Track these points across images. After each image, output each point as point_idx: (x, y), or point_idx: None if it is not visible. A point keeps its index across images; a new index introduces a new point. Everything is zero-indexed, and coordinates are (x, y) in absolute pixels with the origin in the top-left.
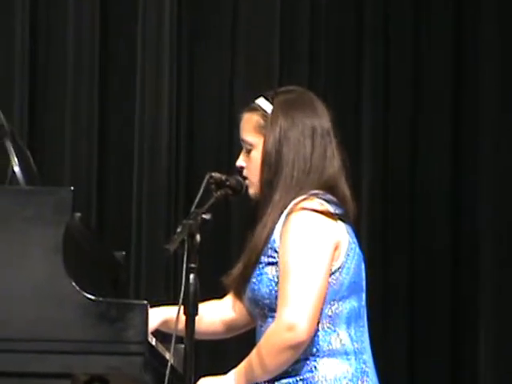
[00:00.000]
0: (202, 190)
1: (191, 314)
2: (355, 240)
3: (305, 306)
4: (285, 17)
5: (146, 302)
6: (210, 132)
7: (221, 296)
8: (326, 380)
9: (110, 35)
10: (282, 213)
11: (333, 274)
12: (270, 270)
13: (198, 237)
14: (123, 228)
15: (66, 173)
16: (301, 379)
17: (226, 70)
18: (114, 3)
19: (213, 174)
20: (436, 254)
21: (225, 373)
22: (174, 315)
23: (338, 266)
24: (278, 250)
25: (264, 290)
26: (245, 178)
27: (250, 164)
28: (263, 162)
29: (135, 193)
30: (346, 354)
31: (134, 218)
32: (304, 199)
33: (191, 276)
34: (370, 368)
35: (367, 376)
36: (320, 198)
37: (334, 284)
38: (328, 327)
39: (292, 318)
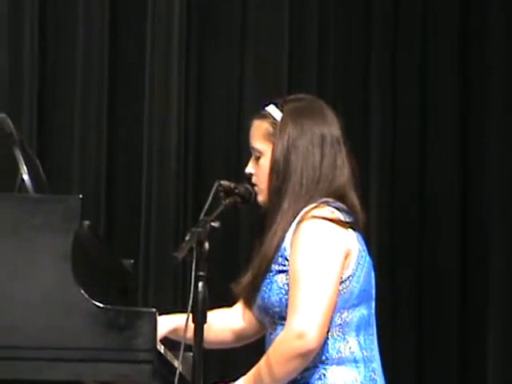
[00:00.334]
0: (210, 198)
1: (200, 322)
2: (365, 248)
3: (315, 314)
4: (294, 15)
5: (154, 309)
6: (219, 133)
7: (230, 304)
8: None
9: (120, 34)
10: (292, 221)
11: (343, 282)
12: (281, 278)
13: (206, 245)
14: (132, 236)
15: (75, 173)
16: None
17: (235, 69)
18: (123, 1)
19: (222, 182)
20: (444, 256)
21: (234, 380)
22: (183, 323)
23: (348, 275)
24: (288, 258)
25: (274, 298)
26: (253, 185)
27: (259, 171)
28: (271, 170)
29: (144, 200)
30: (356, 361)
31: (142, 226)
32: (315, 207)
33: (200, 284)
34: (379, 376)
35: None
36: (331, 205)
37: (345, 292)
38: (337, 335)
39: (302, 326)
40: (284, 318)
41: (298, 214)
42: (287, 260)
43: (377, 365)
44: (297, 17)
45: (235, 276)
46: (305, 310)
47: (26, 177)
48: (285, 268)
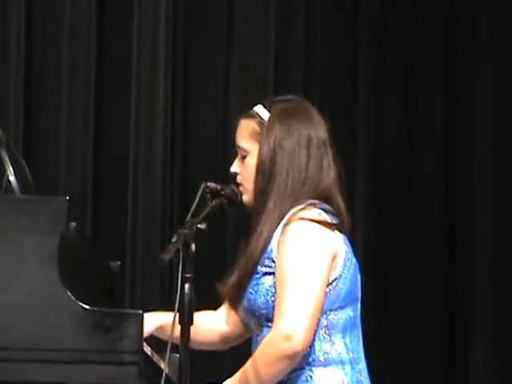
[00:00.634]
0: (197, 200)
1: (186, 323)
2: (351, 250)
3: (302, 315)
4: (280, 12)
5: (140, 311)
6: (205, 138)
7: (216, 306)
8: None
9: (106, 36)
10: (278, 222)
11: (330, 284)
12: (267, 280)
13: (193, 246)
14: (118, 237)
15: (62, 175)
16: None
17: (221, 68)
18: (109, 3)
19: (208, 184)
20: (430, 258)
21: (220, 382)
22: (170, 321)
23: (335, 277)
24: (275, 259)
25: (261, 300)
26: (239, 185)
27: (245, 170)
28: (257, 170)
29: (130, 202)
30: (342, 363)
31: (129, 228)
32: (302, 209)
33: (186, 285)
34: (365, 377)
35: None
36: (317, 207)
37: (331, 294)
38: (324, 337)
39: (289, 328)
40: (271, 320)
41: (284, 216)
42: (274, 262)
43: (363, 366)
44: (284, 14)
45: (222, 277)
46: (292, 311)
47: (12, 178)
48: (271, 270)
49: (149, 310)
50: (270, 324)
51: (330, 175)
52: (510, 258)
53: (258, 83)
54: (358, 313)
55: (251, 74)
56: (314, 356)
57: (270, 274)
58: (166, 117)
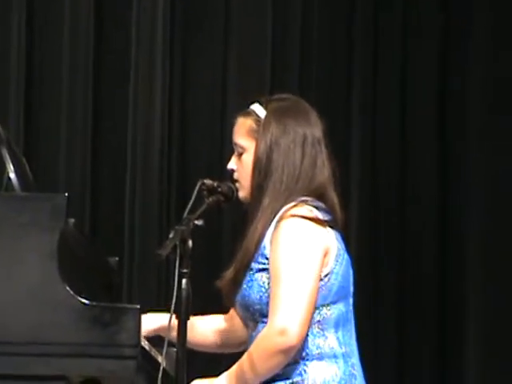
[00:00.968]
0: (194, 197)
1: (183, 318)
2: (343, 246)
3: (296, 310)
4: (277, 10)
5: (138, 306)
6: (203, 129)
7: (212, 302)
8: (315, 383)
9: (105, 30)
10: (272, 218)
11: (322, 279)
12: (261, 277)
13: (190, 242)
14: (116, 234)
15: (61, 172)
16: (291, 383)
17: (218, 63)
18: (108, 5)
19: (205, 181)
20: (425, 259)
21: (217, 376)
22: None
23: (327, 272)
24: (268, 256)
25: (254, 296)
26: (235, 181)
27: (241, 167)
28: (254, 166)
29: (128, 199)
30: (335, 357)
31: (126, 224)
32: (294, 206)
33: (183, 281)
34: (358, 371)
35: (355, 379)
36: (309, 204)
37: (324, 289)
38: (317, 331)
39: (283, 323)
40: (265, 316)
41: (277, 212)
42: (267, 259)
43: (356, 360)
44: (281, 10)
45: (218, 273)
46: (286, 307)
47: (12, 175)
48: (264, 266)
49: (147, 309)
50: (264, 320)
51: (323, 173)
52: (504, 257)
53: (255, 76)
54: (351, 308)
55: (249, 66)
56: (307, 350)
57: (263, 270)
58: (163, 108)
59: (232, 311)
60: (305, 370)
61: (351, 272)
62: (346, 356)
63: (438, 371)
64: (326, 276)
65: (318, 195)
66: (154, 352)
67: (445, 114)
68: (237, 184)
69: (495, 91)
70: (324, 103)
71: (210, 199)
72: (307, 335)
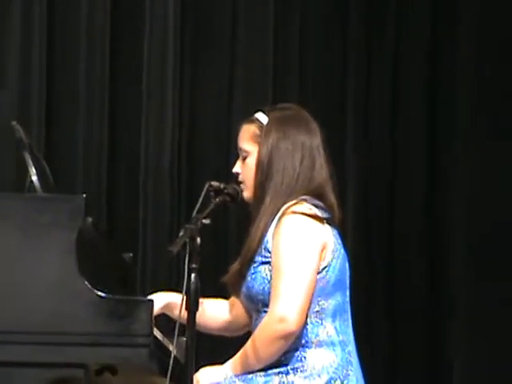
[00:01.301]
0: (202, 198)
1: (192, 309)
2: (340, 241)
3: (295, 300)
4: (278, 35)
5: (151, 299)
6: (210, 140)
7: (219, 294)
8: (314, 368)
9: (119, 51)
10: (274, 216)
11: (320, 272)
12: (264, 269)
13: (198, 240)
14: (131, 232)
15: (79, 175)
16: (291, 368)
17: (224, 78)
18: (123, 13)
19: (212, 183)
20: (412, 251)
21: (222, 362)
22: (176, 300)
23: (324, 265)
24: (270, 250)
25: (258, 287)
26: (240, 183)
27: (245, 170)
28: (257, 168)
29: (141, 199)
30: (333, 344)
31: (140, 223)
32: (295, 204)
33: (193, 275)
34: (354, 358)
35: (351, 365)
36: (309, 202)
37: (321, 282)
38: (316, 321)
39: (283, 311)
40: (267, 305)
41: (278, 210)
42: (269, 252)
43: (352, 348)
44: (281, 26)
45: (225, 267)
46: (286, 296)
47: (34, 178)
48: (267, 259)
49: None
50: (266, 309)
51: (322, 174)
52: (493, 254)
53: (259, 85)
54: (347, 299)
55: (252, 77)
56: (306, 338)
57: (265, 263)
58: (173, 116)
59: (235, 300)
60: (304, 357)
61: (347, 265)
62: (342, 344)
63: (428, 366)
64: (323, 269)
65: (317, 195)
66: (165, 341)
67: (433, 119)
68: (241, 185)
69: (479, 92)
70: (322, 114)
71: (217, 200)
72: (306, 324)
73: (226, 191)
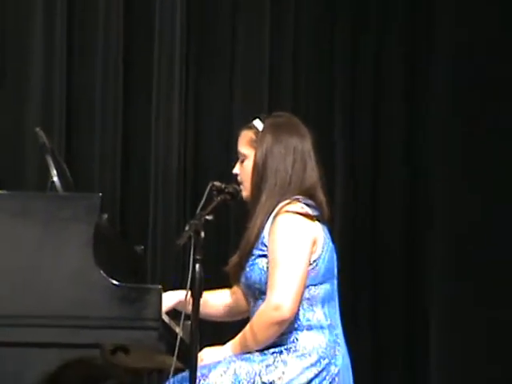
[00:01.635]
0: (205, 196)
1: (197, 297)
2: (329, 236)
3: (289, 289)
4: (272, 56)
5: (160, 286)
6: (213, 145)
7: (221, 284)
8: (305, 349)
9: (132, 66)
10: (269, 213)
11: (311, 264)
12: (261, 261)
13: (202, 234)
14: (142, 226)
15: (96, 176)
16: (285, 348)
17: (225, 93)
18: (135, 28)
19: (214, 183)
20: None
21: (224, 343)
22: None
23: (315, 258)
24: (266, 244)
25: (255, 277)
26: (239, 183)
27: (243, 172)
28: (253, 171)
29: (152, 198)
30: (322, 328)
31: (150, 219)
32: (288, 203)
33: (197, 266)
34: (341, 340)
35: (339, 345)
36: (301, 202)
37: (312, 272)
38: (307, 307)
39: (278, 300)
40: (264, 294)
41: (273, 208)
42: (266, 246)
43: (339, 331)
44: (277, 44)
45: (226, 259)
46: (281, 286)
47: (55, 179)
48: (264, 253)
49: (167, 289)
50: (263, 297)
51: (312, 176)
52: (474, 257)
53: (255, 97)
54: (335, 287)
55: (250, 90)
56: (299, 322)
57: (262, 256)
58: (180, 124)
59: (235, 288)
60: (297, 338)
61: (335, 257)
62: (331, 327)
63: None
64: (314, 261)
65: (309, 195)
66: (172, 324)
67: (411, 130)
68: (240, 186)
69: (458, 92)
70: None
71: (219, 198)
72: (299, 310)
73: (226, 190)
